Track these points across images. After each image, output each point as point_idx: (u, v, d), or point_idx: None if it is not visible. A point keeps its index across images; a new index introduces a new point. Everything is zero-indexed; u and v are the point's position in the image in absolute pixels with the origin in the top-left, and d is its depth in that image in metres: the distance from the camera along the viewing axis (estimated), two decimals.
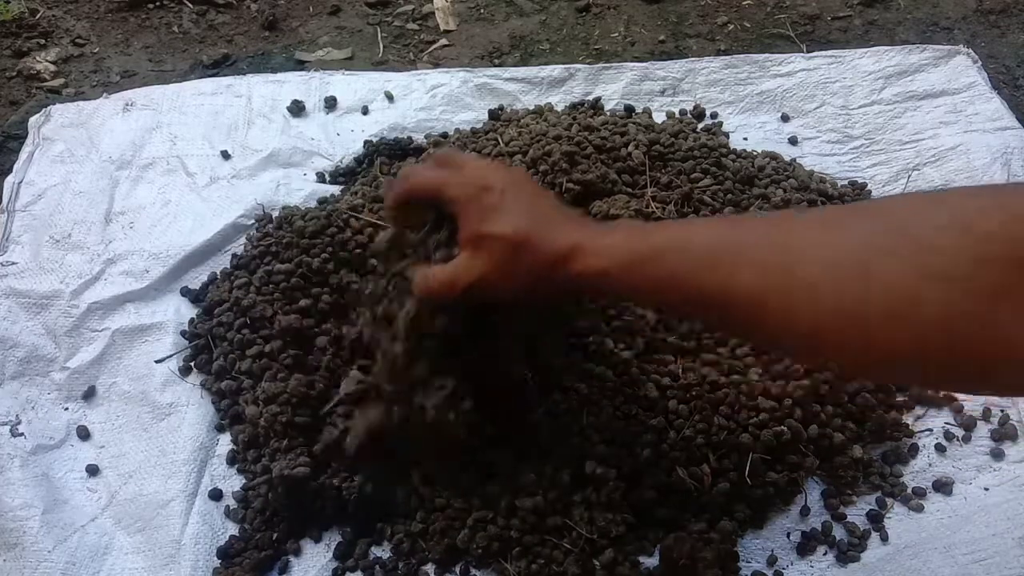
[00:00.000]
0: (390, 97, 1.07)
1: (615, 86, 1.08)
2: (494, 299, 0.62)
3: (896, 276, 0.44)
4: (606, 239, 0.56)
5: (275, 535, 0.73)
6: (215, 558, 0.72)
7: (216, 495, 0.75)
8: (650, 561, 0.71)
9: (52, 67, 1.17)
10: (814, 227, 0.50)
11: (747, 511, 0.72)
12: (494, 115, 1.03)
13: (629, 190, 0.85)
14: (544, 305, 0.67)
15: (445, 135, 0.97)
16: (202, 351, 0.84)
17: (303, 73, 1.11)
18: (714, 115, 1.05)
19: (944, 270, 0.42)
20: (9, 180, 0.98)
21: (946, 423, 0.79)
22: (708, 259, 0.52)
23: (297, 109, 1.06)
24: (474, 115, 1.05)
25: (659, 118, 1.02)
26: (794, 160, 0.98)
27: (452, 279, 0.60)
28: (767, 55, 1.11)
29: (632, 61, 1.14)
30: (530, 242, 0.58)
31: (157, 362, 0.83)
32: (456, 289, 0.60)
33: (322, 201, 0.95)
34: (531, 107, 1.04)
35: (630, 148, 0.86)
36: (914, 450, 0.77)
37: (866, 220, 0.48)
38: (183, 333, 0.86)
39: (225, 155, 1.01)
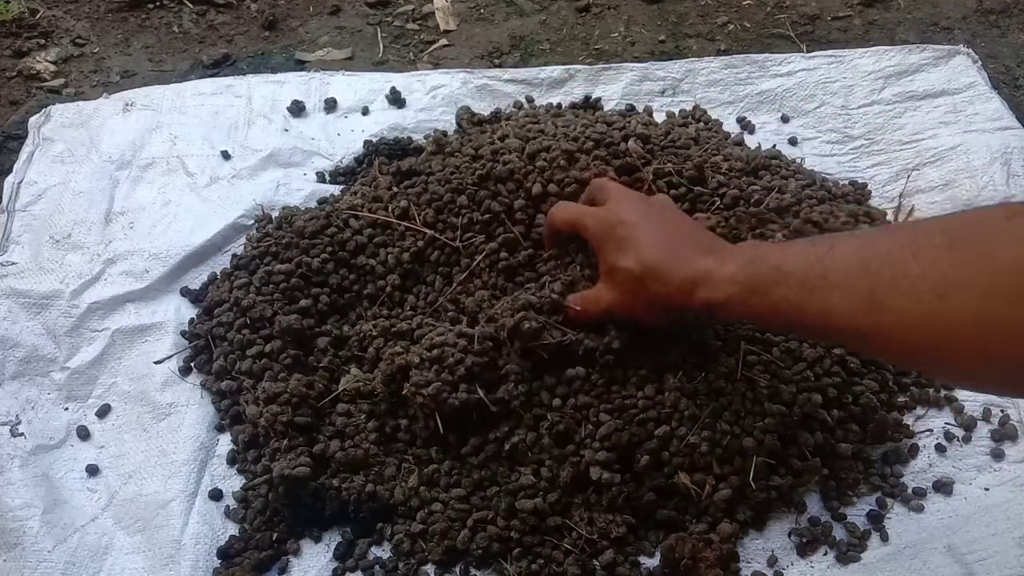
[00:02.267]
0: (392, 99, 1.07)
1: (615, 86, 1.08)
2: (635, 321, 0.71)
3: (971, 306, 0.48)
4: (726, 269, 0.62)
5: (275, 535, 0.73)
6: (215, 558, 0.72)
7: (216, 495, 0.75)
8: (650, 562, 0.71)
9: (52, 67, 1.17)
10: (893, 248, 0.54)
11: (748, 512, 0.72)
12: (495, 117, 1.03)
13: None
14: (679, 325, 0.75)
15: (445, 133, 0.97)
16: (202, 351, 0.84)
17: (303, 73, 1.11)
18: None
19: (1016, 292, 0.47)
20: (9, 180, 0.98)
21: (946, 423, 0.79)
22: (803, 289, 0.57)
23: (297, 109, 1.06)
24: None
25: (659, 118, 1.02)
26: (795, 160, 0.98)
27: (591, 303, 0.71)
28: (767, 55, 1.11)
29: (632, 61, 1.14)
30: (655, 275, 0.65)
31: (157, 363, 0.83)
32: (594, 313, 0.71)
33: (322, 201, 0.95)
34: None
35: (629, 143, 0.86)
36: (914, 450, 0.77)
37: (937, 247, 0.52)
38: (183, 333, 0.86)
39: (225, 155, 1.01)
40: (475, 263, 0.82)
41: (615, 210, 0.70)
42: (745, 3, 1.26)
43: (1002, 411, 0.79)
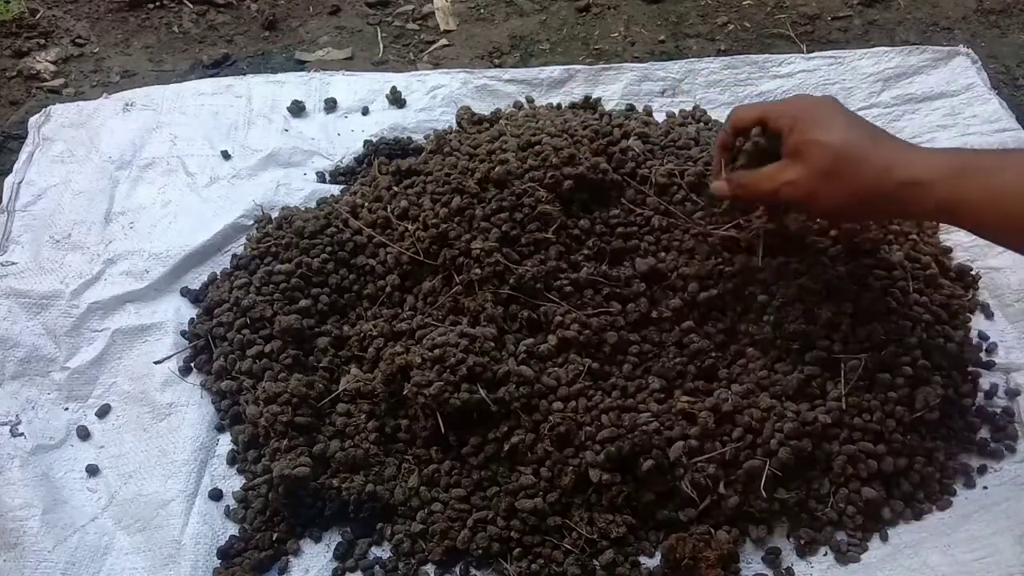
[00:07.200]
0: (392, 99, 1.07)
1: (615, 87, 1.08)
2: (807, 209, 0.69)
3: None
4: (928, 157, 0.64)
5: (275, 535, 0.73)
6: (215, 558, 0.72)
7: (216, 495, 0.75)
8: (650, 562, 0.71)
9: (52, 67, 1.17)
10: None
11: (760, 529, 0.72)
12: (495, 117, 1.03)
13: (628, 180, 0.84)
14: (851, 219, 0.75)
15: (446, 133, 0.97)
16: (202, 351, 0.84)
17: (303, 73, 1.11)
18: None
19: None
20: (9, 180, 0.98)
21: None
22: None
23: (297, 109, 1.06)
24: None
25: (659, 118, 1.02)
26: None
27: (764, 179, 0.68)
28: (767, 56, 1.11)
29: (632, 61, 1.14)
30: (856, 152, 0.64)
31: (157, 363, 0.83)
32: (764, 190, 0.69)
33: (322, 201, 0.95)
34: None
35: (630, 141, 0.85)
36: None
37: None
38: (183, 333, 0.86)
39: (225, 155, 1.01)
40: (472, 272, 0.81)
41: (802, 102, 0.71)
42: (745, 3, 1.26)
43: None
